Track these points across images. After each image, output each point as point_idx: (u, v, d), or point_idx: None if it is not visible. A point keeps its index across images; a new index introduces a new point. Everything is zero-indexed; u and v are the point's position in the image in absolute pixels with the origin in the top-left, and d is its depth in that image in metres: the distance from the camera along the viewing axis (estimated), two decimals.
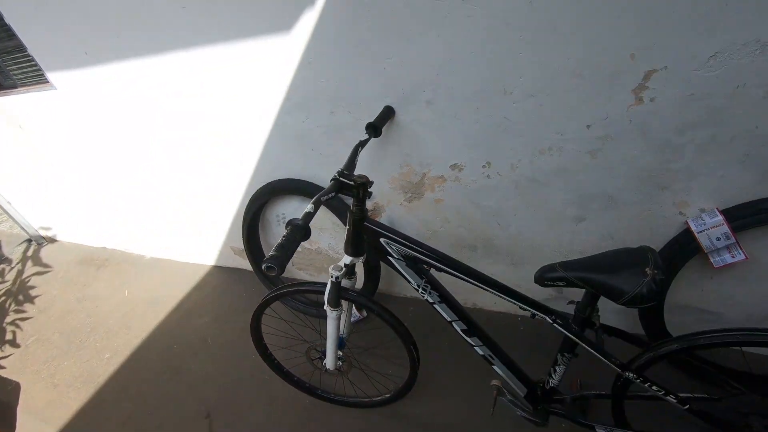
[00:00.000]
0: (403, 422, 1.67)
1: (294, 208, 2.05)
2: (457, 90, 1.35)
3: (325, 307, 1.36)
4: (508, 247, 1.68)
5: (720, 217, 1.22)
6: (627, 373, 1.11)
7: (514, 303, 1.15)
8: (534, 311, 1.14)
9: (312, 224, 0.99)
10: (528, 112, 1.30)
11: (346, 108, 1.54)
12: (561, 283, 1.03)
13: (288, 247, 0.86)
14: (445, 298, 1.25)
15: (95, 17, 1.68)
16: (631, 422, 1.29)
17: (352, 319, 2.06)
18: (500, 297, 1.15)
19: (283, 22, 1.41)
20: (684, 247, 1.30)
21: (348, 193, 1.15)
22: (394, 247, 1.21)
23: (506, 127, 1.36)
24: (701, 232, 1.25)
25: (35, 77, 2.23)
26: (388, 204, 1.78)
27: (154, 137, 2.07)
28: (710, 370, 1.43)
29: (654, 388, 1.10)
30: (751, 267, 1.32)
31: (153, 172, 2.28)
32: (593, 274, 1.00)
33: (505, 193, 1.53)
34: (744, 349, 1.03)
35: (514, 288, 1.15)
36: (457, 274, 1.17)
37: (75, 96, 2.08)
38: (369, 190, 1.16)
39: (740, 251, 1.24)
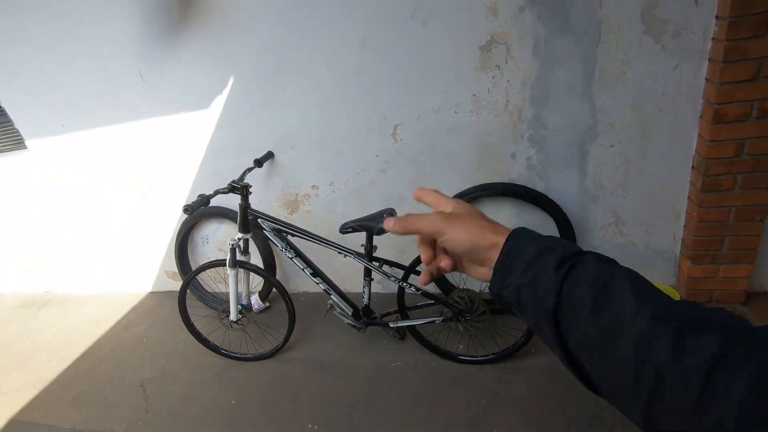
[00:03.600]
0: (288, 362, 2.41)
1: (214, 228, 2.88)
2: (308, 139, 2.35)
3: (227, 271, 2.17)
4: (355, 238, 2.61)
5: None
6: (399, 282, 2.02)
7: (335, 249, 2.04)
8: (346, 252, 2.04)
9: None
10: (346, 148, 2.32)
11: (246, 153, 2.49)
12: (350, 229, 1.96)
13: (198, 203, 1.74)
14: (299, 254, 2.13)
15: (73, 98, 2.56)
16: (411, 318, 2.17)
17: (257, 308, 2.84)
18: (328, 246, 2.04)
19: (203, 102, 2.38)
20: None
21: (237, 192, 2.05)
22: (266, 224, 2.10)
23: (338, 158, 2.37)
24: None
25: (14, 143, 3.00)
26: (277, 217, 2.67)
27: (107, 190, 2.86)
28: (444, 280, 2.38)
29: (412, 289, 2.01)
30: None
31: (101, 218, 3.02)
32: (362, 222, 1.94)
33: (346, 201, 2.49)
34: None
35: (335, 241, 2.05)
36: (302, 236, 2.07)
37: (46, 159, 2.86)
38: (250, 191, 2.06)
39: None
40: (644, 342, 0.35)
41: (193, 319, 2.48)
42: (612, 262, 0.43)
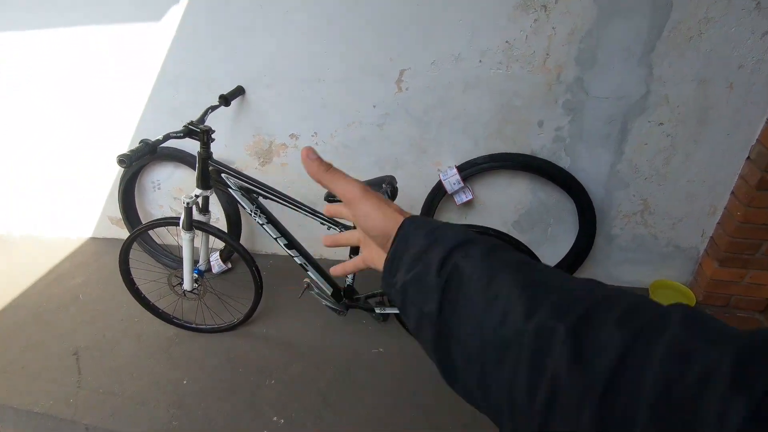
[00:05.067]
0: (251, 338, 2.09)
1: (168, 173, 2.40)
2: (288, 76, 1.88)
3: (181, 234, 1.77)
4: None
5: (454, 170, 1.89)
6: None
7: (315, 218, 1.67)
8: (329, 224, 1.68)
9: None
10: (336, 94, 1.88)
11: (208, 87, 1.99)
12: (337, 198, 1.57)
13: (136, 152, 1.29)
14: (271, 220, 1.74)
15: None
16: None
17: (218, 269, 2.46)
18: (307, 215, 1.66)
19: (152, 12, 1.83)
20: (438, 191, 1.96)
21: (196, 137, 1.60)
22: (231, 180, 1.68)
23: (324, 105, 1.92)
24: (445, 180, 1.91)
25: None
26: (246, 168, 2.23)
27: (30, 112, 2.29)
28: None
29: None
30: (476, 201, 2.02)
31: (23, 147, 2.46)
32: None
33: (329, 157, 2.08)
34: None
35: (315, 208, 1.67)
36: (276, 198, 1.67)
37: None
38: (212, 136, 1.61)
39: (469, 192, 1.92)
40: (535, 354, 0.30)
41: (140, 279, 2.08)
42: (499, 250, 0.38)
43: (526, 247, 1.54)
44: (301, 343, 2.04)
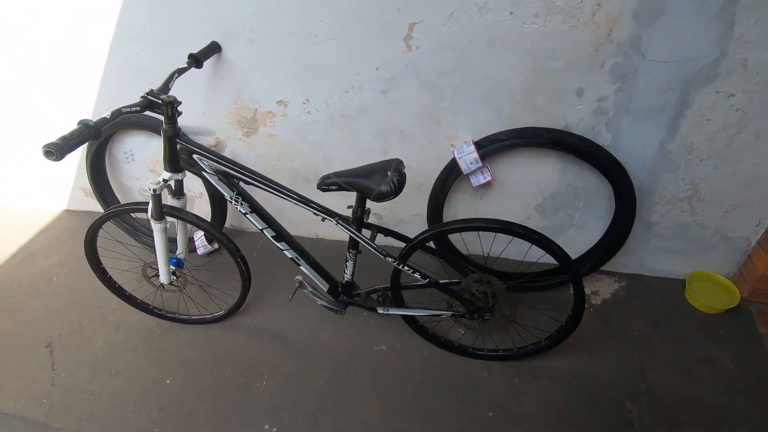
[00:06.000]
0: (240, 331, 1.89)
1: (141, 142, 2.10)
2: (273, 30, 1.54)
3: (151, 224, 1.51)
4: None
5: (472, 147, 1.59)
6: (396, 263, 1.45)
7: (308, 208, 1.40)
8: (323, 215, 1.41)
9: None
10: (331, 53, 1.55)
11: (177, 42, 1.65)
12: (334, 187, 1.30)
13: (71, 139, 1.00)
14: (255, 208, 1.47)
15: None
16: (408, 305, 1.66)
17: (202, 251, 2.22)
18: (298, 204, 1.40)
19: None
20: (452, 170, 1.68)
21: (158, 111, 1.29)
22: (206, 163, 1.39)
23: (316, 66, 1.60)
24: (461, 158, 1.62)
25: None
26: (228, 139, 1.93)
27: None
28: (457, 258, 1.88)
29: (417, 275, 1.45)
30: (495, 184, 1.74)
31: None
32: (354, 178, 1.28)
33: (325, 127, 1.77)
34: (480, 234, 1.42)
35: (308, 197, 1.40)
36: (262, 185, 1.39)
37: None
38: (178, 108, 1.31)
39: (488, 173, 1.64)
40: None
41: (113, 269, 1.85)
42: None
43: (558, 246, 1.29)
44: (296, 338, 1.84)
